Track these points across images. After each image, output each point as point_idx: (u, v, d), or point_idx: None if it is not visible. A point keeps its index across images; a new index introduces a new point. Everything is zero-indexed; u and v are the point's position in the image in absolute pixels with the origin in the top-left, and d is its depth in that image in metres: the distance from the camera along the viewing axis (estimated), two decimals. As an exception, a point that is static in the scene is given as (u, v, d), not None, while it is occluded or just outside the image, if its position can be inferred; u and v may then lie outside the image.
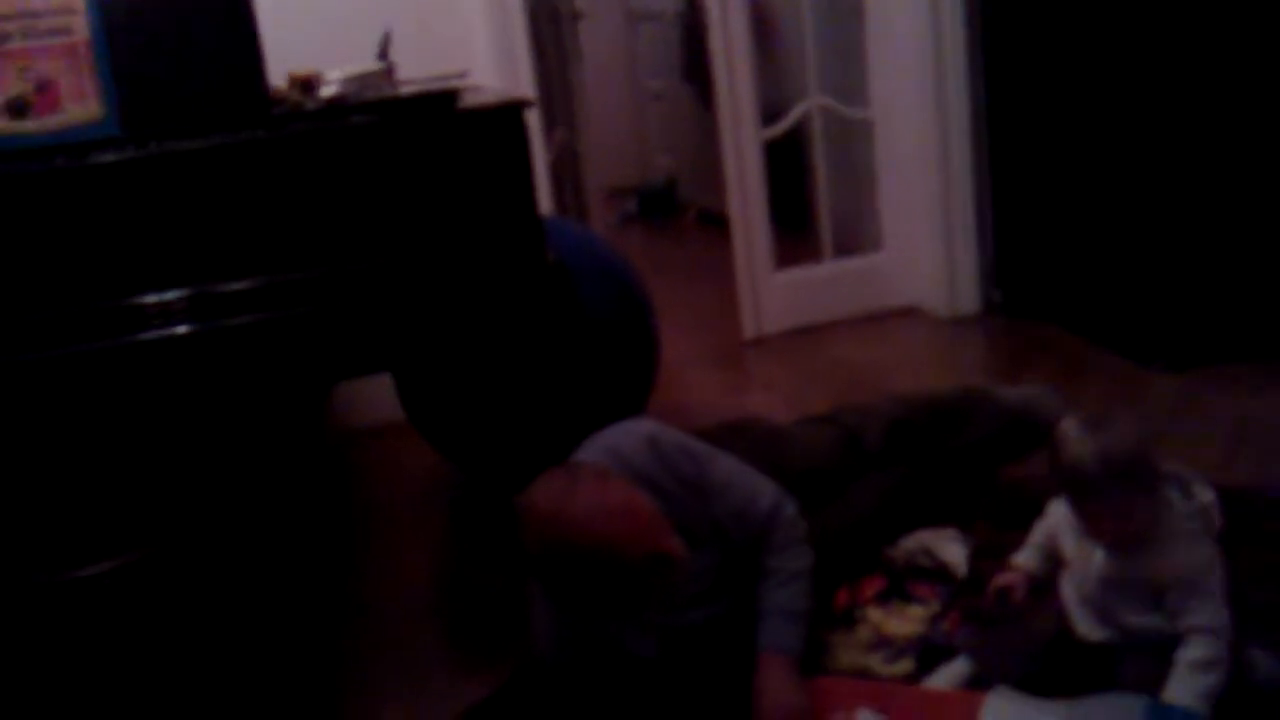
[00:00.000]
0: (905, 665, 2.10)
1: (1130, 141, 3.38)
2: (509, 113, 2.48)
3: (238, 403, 2.37)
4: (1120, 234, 3.49)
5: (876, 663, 2.12)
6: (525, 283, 2.48)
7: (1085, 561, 1.90)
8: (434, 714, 2.19)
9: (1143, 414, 3.08)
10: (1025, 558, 2.08)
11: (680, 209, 6.63)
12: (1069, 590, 1.97)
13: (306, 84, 2.55)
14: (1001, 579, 2.08)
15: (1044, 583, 2.06)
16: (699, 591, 2.04)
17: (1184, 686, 1.75)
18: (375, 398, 3.56)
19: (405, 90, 2.63)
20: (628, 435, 2.02)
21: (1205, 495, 1.86)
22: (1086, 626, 1.94)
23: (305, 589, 2.83)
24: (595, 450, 2.00)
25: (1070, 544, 1.94)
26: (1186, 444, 2.85)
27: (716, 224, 5.08)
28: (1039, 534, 2.07)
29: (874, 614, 2.26)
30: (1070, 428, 1.83)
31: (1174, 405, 3.15)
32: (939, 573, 2.39)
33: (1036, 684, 1.88)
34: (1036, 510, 2.09)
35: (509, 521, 1.91)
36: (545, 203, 3.87)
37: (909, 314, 4.36)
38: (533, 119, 2.92)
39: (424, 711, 2.21)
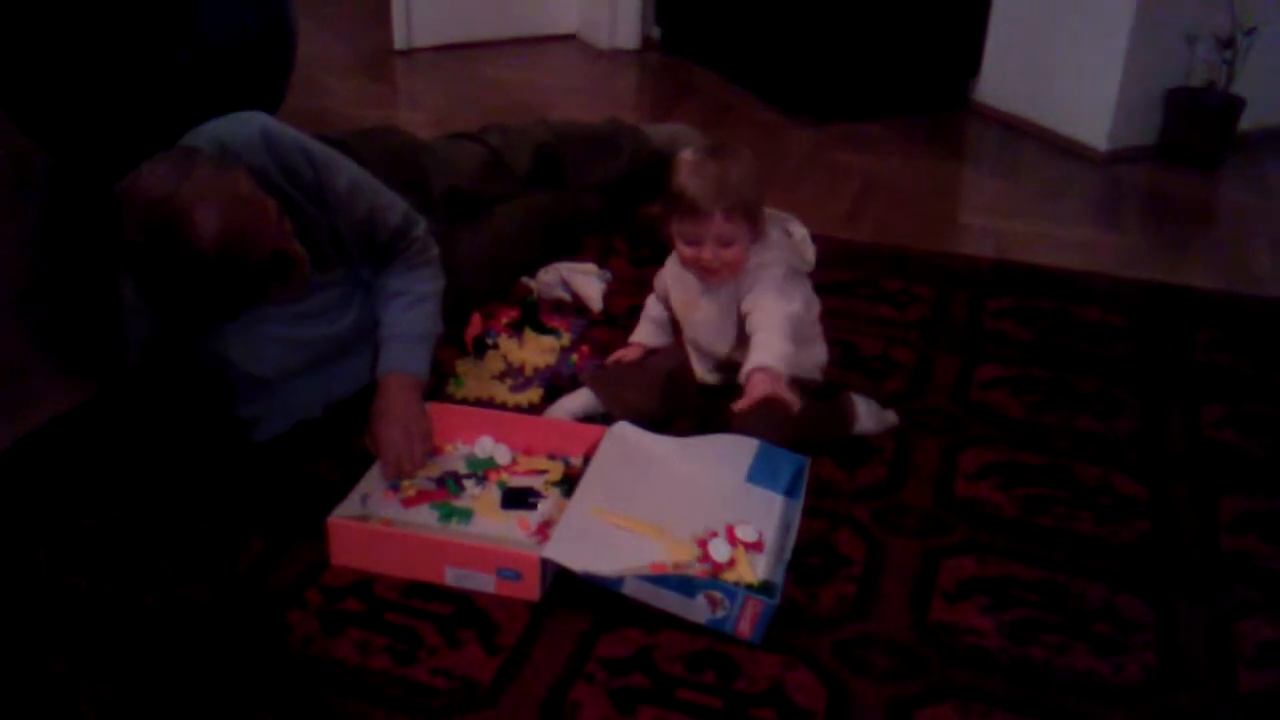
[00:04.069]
0: (532, 394, 2.07)
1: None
2: None
3: None
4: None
5: (503, 391, 2.08)
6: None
7: (691, 308, 1.92)
8: (18, 422, 1.96)
9: (781, 162, 3.15)
10: (639, 334, 2.08)
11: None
12: (687, 338, 2.00)
13: None
14: (618, 353, 2.07)
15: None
16: (320, 307, 1.89)
17: (764, 347, 1.72)
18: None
19: None
20: (238, 128, 1.77)
21: (799, 231, 1.92)
22: (702, 369, 1.98)
23: None
24: (200, 141, 1.74)
25: (677, 293, 1.94)
26: (817, 195, 2.94)
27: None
28: (650, 307, 2.07)
29: (505, 343, 2.21)
30: (688, 153, 1.82)
31: (810, 156, 3.23)
32: (575, 306, 2.36)
33: (655, 423, 1.91)
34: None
35: (103, 216, 1.66)
36: None
37: (567, 42, 4.23)
38: None
39: (7, 420, 1.97)
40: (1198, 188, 3.11)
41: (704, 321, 1.92)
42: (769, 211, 1.89)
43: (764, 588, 1.56)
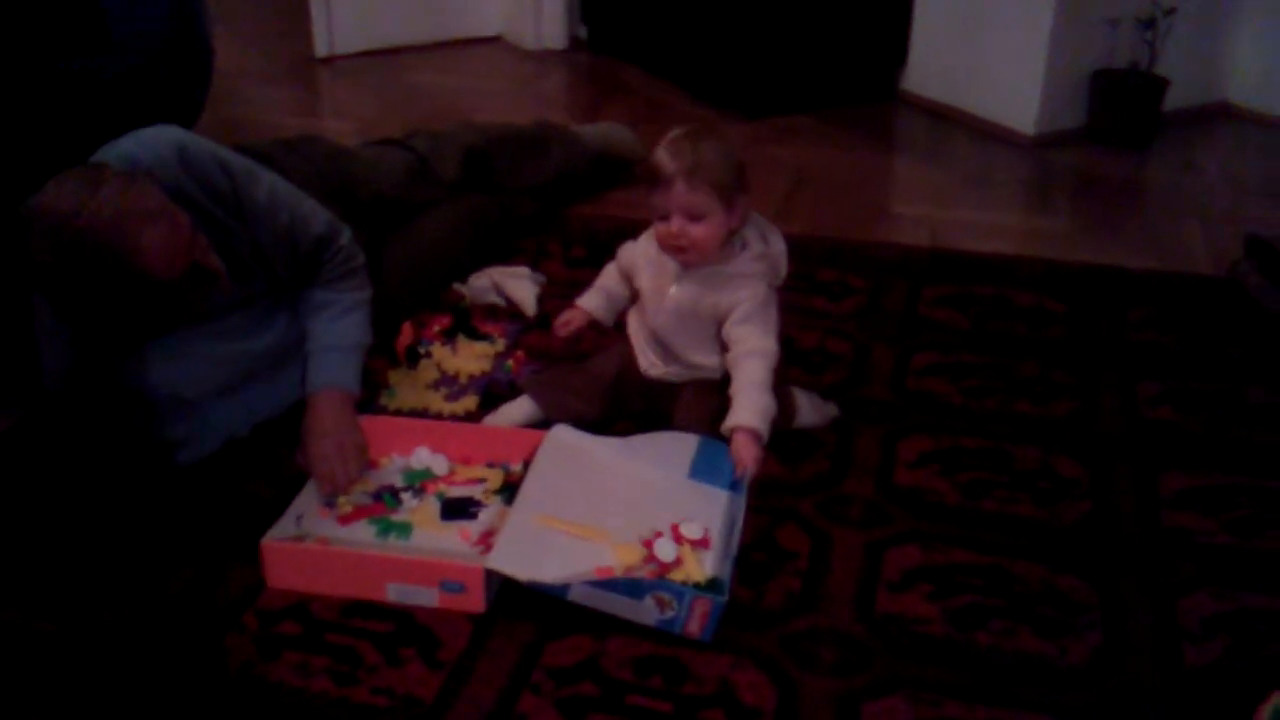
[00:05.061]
0: (467, 402, 2.04)
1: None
2: None
3: None
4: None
5: (438, 400, 2.04)
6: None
7: (660, 295, 1.90)
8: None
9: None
10: (587, 299, 2.05)
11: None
12: (636, 326, 1.97)
13: None
14: (562, 316, 2.05)
15: (607, 327, 2.05)
16: (242, 323, 1.84)
17: (749, 404, 1.77)
18: None
19: None
20: (151, 143, 1.73)
21: (778, 245, 1.90)
22: (648, 362, 1.96)
23: None
24: (111, 158, 1.70)
25: (646, 277, 1.92)
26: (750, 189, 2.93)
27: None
28: (607, 276, 2.04)
29: (439, 351, 2.17)
30: (671, 132, 1.81)
31: (741, 151, 3.21)
32: (508, 311, 2.33)
33: (596, 427, 1.88)
34: (607, 250, 2.05)
35: (10, 237, 1.60)
36: None
37: (493, 44, 4.19)
38: None
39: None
40: (1126, 168, 3.15)
41: (671, 311, 1.88)
42: (759, 219, 1.88)
43: (712, 585, 1.54)
